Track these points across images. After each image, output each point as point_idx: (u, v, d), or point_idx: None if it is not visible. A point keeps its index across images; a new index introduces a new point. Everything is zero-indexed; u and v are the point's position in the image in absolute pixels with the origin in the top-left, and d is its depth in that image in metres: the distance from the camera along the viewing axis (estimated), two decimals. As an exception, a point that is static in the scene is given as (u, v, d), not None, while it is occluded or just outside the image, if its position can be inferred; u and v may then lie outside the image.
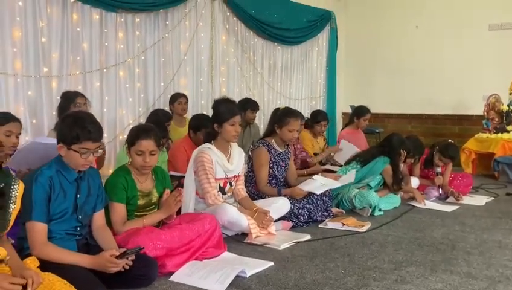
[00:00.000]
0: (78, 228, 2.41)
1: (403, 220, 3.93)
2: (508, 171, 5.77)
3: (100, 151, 2.36)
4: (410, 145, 4.47)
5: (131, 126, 5.04)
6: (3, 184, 1.97)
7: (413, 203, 4.47)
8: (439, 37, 7.62)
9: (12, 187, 2.01)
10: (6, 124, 2.93)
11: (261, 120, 6.86)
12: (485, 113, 6.45)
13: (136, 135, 2.77)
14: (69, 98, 4.02)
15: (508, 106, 6.27)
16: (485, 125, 6.43)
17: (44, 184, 2.25)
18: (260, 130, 6.34)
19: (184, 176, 3.81)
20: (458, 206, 4.40)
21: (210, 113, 5.73)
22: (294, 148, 4.74)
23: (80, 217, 2.40)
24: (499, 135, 6.13)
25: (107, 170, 4.44)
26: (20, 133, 3.03)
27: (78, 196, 2.38)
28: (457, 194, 4.61)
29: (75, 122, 2.27)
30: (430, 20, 7.71)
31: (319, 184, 3.77)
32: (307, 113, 7.58)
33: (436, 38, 7.65)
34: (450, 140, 5.00)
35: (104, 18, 4.83)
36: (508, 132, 6.12)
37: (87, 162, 2.32)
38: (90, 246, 2.45)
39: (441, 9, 7.57)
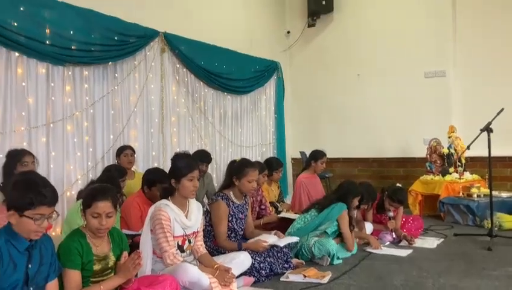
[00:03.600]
0: (30, 301, 2.23)
1: (362, 267, 3.97)
2: (453, 212, 6.02)
3: (55, 216, 2.23)
4: (364, 191, 4.58)
5: (79, 182, 4.95)
6: None
7: (369, 249, 4.53)
8: (380, 84, 8.03)
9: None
10: None
11: (213, 169, 6.82)
12: (428, 156, 6.77)
13: (91, 196, 2.65)
14: (15, 157, 3.83)
15: (448, 148, 6.63)
16: (428, 168, 6.73)
17: (-8, 257, 2.08)
18: (213, 179, 6.31)
19: (138, 234, 3.69)
20: (412, 250, 4.52)
21: (162, 164, 5.83)
22: (253, 200, 4.71)
23: (31, 289, 2.22)
24: (442, 177, 6.42)
25: (54, 230, 4.20)
26: None
27: (30, 266, 2.22)
28: (410, 238, 4.74)
29: (28, 186, 2.15)
30: (371, 68, 8.13)
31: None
32: (258, 160, 7.66)
33: (377, 85, 8.06)
34: (398, 184, 5.18)
35: (51, 72, 4.69)
36: (450, 173, 6.43)
37: (41, 228, 2.19)
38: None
39: (380, 58, 8.02)
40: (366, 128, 8.14)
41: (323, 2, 8.26)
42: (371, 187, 4.86)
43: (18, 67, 4.43)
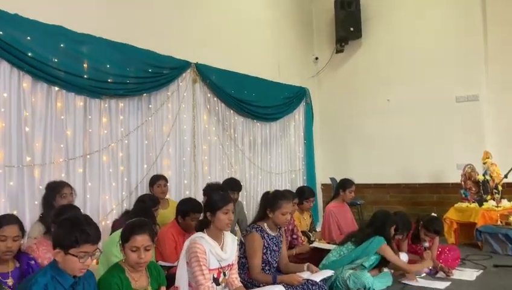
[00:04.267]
0: (73, 338, 2.27)
1: (398, 300, 3.88)
2: (491, 241, 5.83)
3: (98, 253, 2.29)
4: (398, 221, 4.50)
5: (114, 211, 5.04)
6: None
7: (404, 280, 4.43)
8: (410, 109, 7.96)
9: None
10: None
11: (243, 196, 6.83)
12: (462, 183, 6.62)
13: (130, 231, 2.70)
14: (54, 189, 3.94)
15: (483, 175, 6.47)
16: (463, 195, 6.57)
17: (39, 294, 2.14)
18: (244, 207, 6.33)
19: (173, 266, 3.72)
20: (450, 282, 4.39)
21: (194, 192, 5.90)
22: (285, 229, 4.69)
23: (75, 325, 2.27)
24: (479, 206, 6.24)
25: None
26: (18, 236, 2.85)
27: (74, 303, 2.27)
28: (447, 269, 4.62)
29: (73, 225, 2.22)
30: (401, 93, 8.08)
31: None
32: (288, 187, 7.66)
33: (407, 110, 7.99)
34: (433, 213, 5.07)
35: (88, 104, 4.85)
36: (487, 201, 6.27)
37: (85, 266, 2.25)
38: None
39: (410, 82, 7.97)
40: (397, 153, 8.05)
41: (352, 29, 8.31)
42: (405, 217, 4.77)
43: (57, 101, 4.60)
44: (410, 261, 4.84)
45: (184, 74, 5.95)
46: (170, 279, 3.29)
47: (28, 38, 4.23)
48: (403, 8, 8.13)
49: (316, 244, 5.09)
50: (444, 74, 7.65)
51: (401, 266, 4.39)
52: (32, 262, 2.99)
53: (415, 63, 7.93)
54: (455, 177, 6.91)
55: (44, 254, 3.22)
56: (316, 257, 4.73)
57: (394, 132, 8.09)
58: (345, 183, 5.70)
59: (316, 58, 8.99)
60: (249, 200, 7.06)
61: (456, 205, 6.51)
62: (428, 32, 7.83)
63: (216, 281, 3.30)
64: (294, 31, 8.55)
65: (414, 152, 7.88)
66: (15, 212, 4.16)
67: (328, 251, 4.69)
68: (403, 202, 7.94)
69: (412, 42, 7.98)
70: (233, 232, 4.01)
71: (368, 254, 4.19)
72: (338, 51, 8.71)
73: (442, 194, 7.67)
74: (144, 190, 5.30)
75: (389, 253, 4.26)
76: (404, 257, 4.78)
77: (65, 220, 2.29)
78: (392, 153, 8.09)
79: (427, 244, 4.75)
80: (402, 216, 4.71)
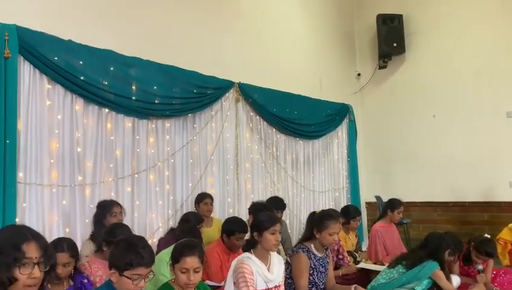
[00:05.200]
0: None
1: (453, 326, 3.72)
2: (549, 263, 5.53)
3: (151, 276, 2.32)
4: (450, 242, 4.33)
5: (160, 229, 5.12)
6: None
7: (458, 304, 4.25)
8: (458, 124, 7.73)
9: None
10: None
11: (287, 215, 6.79)
12: (516, 201, 6.34)
13: (180, 252, 2.73)
14: (105, 208, 4.06)
15: (539, 193, 6.17)
16: (517, 214, 6.28)
17: (94, 314, 2.19)
18: (287, 225, 6.29)
19: (219, 286, 3.73)
20: (507, 307, 4.18)
21: (237, 210, 5.92)
22: (331, 250, 4.62)
23: None
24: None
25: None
26: (69, 263, 2.98)
27: (127, 322, 2.30)
28: (503, 293, 4.40)
29: (129, 247, 2.26)
30: (447, 108, 7.86)
31: None
32: (331, 205, 7.56)
33: (455, 126, 7.76)
34: (486, 234, 4.85)
35: (136, 125, 4.99)
36: (544, 220, 5.96)
37: (138, 288, 2.28)
38: None
39: (457, 97, 7.75)
40: (445, 170, 7.80)
41: (395, 44, 8.20)
42: (456, 237, 4.57)
43: (108, 122, 4.75)
44: (462, 285, 4.65)
45: (227, 94, 6.03)
46: (216, 299, 3.30)
47: (80, 62, 4.40)
48: (449, 21, 7.95)
49: (362, 265, 4.98)
50: (493, 88, 7.40)
51: None
52: (85, 281, 3.09)
53: (462, 77, 7.71)
54: (508, 196, 6.65)
55: (95, 272, 3.31)
56: (363, 278, 4.63)
57: (441, 148, 7.86)
58: (394, 204, 5.56)
59: (359, 75, 8.91)
60: (292, 219, 7.01)
61: (510, 225, 6.21)
62: (476, 46, 7.62)
63: (263, 302, 3.27)
64: (336, 47, 8.53)
65: (463, 169, 7.61)
66: (67, 230, 4.33)
67: (375, 272, 4.58)
68: (451, 221, 7.66)
69: (458, 56, 7.78)
70: (277, 251, 4.00)
71: (420, 278, 4.02)
72: (381, 67, 8.61)
73: (494, 213, 7.36)
74: (188, 208, 5.36)
75: (442, 280, 4.06)
76: (456, 279, 4.58)
77: (121, 242, 2.35)
78: (439, 170, 7.85)
79: (481, 267, 4.52)
80: (453, 236, 4.52)
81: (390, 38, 8.23)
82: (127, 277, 2.22)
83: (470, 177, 7.54)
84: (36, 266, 1.75)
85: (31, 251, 1.75)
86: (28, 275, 1.72)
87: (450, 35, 7.92)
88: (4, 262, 1.70)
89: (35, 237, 1.81)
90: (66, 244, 3.02)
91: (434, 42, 8.10)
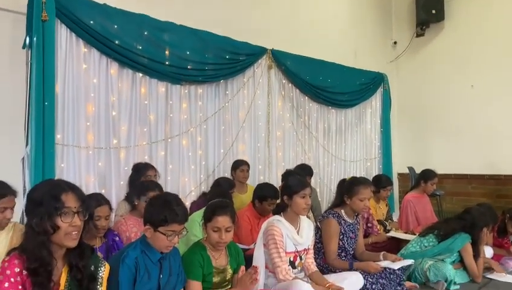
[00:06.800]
0: (160, 309, 2.40)
1: (483, 295, 3.70)
2: None
3: (184, 233, 2.38)
4: (489, 220, 4.21)
5: (192, 193, 5.22)
6: (93, 267, 2.00)
7: (489, 275, 4.20)
8: (497, 95, 7.44)
9: (99, 269, 2.04)
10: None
11: (317, 183, 6.80)
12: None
13: (212, 211, 2.79)
14: (140, 170, 4.16)
15: None
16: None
17: (130, 266, 2.28)
18: (317, 193, 6.30)
19: (248, 249, 3.80)
20: (540, 279, 4.10)
21: (268, 178, 5.95)
22: (361, 217, 4.61)
23: (161, 298, 2.39)
24: None
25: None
26: (109, 215, 3.09)
27: (161, 276, 2.39)
28: (537, 265, 4.31)
29: (163, 204, 2.32)
30: (486, 78, 7.56)
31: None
32: (363, 175, 7.49)
33: (494, 96, 7.48)
34: (522, 206, 4.75)
35: (170, 90, 5.04)
36: None
37: (172, 243, 2.35)
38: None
39: (498, 67, 7.44)
40: (480, 142, 7.57)
41: (433, 11, 7.89)
42: (491, 209, 4.48)
43: (142, 86, 4.82)
44: (495, 256, 4.59)
45: (260, 60, 5.98)
46: (246, 261, 3.36)
47: (115, 26, 4.45)
48: (491, -14, 7.57)
49: (392, 233, 4.97)
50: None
51: (473, 272, 4.02)
52: (117, 238, 3.21)
53: (503, 45, 7.37)
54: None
55: (131, 228, 3.43)
56: (393, 247, 4.63)
57: (478, 120, 7.61)
58: (428, 175, 5.46)
59: (395, 43, 8.65)
60: (323, 188, 7.01)
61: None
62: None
63: (292, 264, 3.33)
64: (371, 14, 8.28)
65: (500, 141, 7.37)
66: (103, 191, 4.46)
67: (405, 241, 4.56)
68: (486, 194, 7.47)
69: (499, 24, 7.40)
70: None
71: (452, 251, 3.96)
72: (418, 35, 8.31)
73: (531, 187, 7.15)
74: (220, 173, 5.43)
75: (469, 256, 3.99)
76: (489, 250, 4.53)
77: (157, 199, 2.42)
78: (475, 141, 7.62)
79: (515, 238, 4.46)
80: (487, 207, 4.44)
81: (429, 5, 7.91)
82: (162, 233, 2.29)
83: (507, 149, 7.30)
84: (76, 215, 1.82)
85: (70, 201, 1.82)
86: (69, 223, 1.80)
87: (491, 2, 7.55)
88: (45, 212, 1.78)
89: (73, 188, 1.88)
90: (103, 198, 3.13)
91: (474, 9, 7.73)
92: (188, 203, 5.05)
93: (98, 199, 3.05)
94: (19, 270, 1.73)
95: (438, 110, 8.06)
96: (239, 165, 5.21)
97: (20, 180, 3.87)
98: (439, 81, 8.07)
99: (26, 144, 3.95)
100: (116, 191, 4.53)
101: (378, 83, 7.92)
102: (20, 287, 1.72)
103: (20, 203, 3.05)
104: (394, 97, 8.33)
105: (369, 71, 7.75)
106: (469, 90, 7.77)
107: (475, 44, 7.69)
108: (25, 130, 3.98)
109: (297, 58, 6.42)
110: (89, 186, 4.37)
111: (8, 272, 1.72)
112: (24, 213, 1.89)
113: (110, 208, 3.11)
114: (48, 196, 1.80)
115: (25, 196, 1.94)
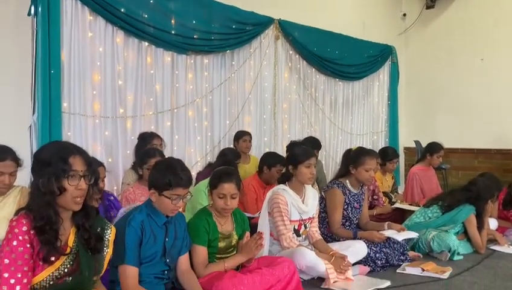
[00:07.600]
0: (166, 272, 2.45)
1: (486, 266, 3.72)
2: None
3: (188, 197, 2.40)
4: (496, 194, 4.19)
5: (198, 164, 5.25)
6: (99, 228, 2.03)
7: (493, 246, 4.22)
8: (506, 69, 7.34)
9: (106, 232, 2.06)
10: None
11: (323, 156, 6.80)
12: None
13: (218, 178, 2.80)
14: (146, 139, 4.17)
15: None
16: None
17: (136, 228, 2.30)
18: (323, 166, 6.31)
19: (253, 217, 3.84)
20: (544, 251, 4.12)
21: (273, 150, 5.95)
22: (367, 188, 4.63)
23: (167, 260, 2.44)
24: None
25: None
26: (105, 177, 3.11)
27: (167, 239, 2.42)
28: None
29: (168, 169, 2.34)
30: (496, 52, 7.45)
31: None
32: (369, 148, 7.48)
33: (504, 70, 7.38)
34: (529, 179, 4.73)
35: (175, 60, 5.01)
36: None
37: (177, 207, 2.37)
38: (176, 290, 2.47)
39: (509, 41, 7.32)
40: (488, 116, 7.50)
41: (445, -18, 7.73)
42: (495, 179, 4.44)
43: (147, 56, 4.79)
44: (500, 228, 4.60)
45: (267, 31, 5.91)
46: (251, 229, 3.40)
47: (121, -6, 4.40)
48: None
49: (397, 205, 4.99)
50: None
51: (476, 243, 4.04)
52: (112, 197, 3.27)
53: (514, 18, 7.24)
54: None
55: (139, 197, 3.46)
56: (397, 218, 4.64)
57: (487, 94, 7.52)
58: (434, 147, 5.44)
59: (404, 15, 8.49)
60: (328, 161, 7.02)
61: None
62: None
63: (297, 232, 3.36)
64: (381, -15, 8.12)
65: (508, 115, 7.29)
66: (110, 160, 4.51)
67: (410, 212, 4.58)
68: (492, 169, 7.40)
69: (512, -4, 7.27)
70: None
71: (456, 222, 3.97)
72: (428, 7, 8.15)
73: (538, 161, 7.11)
74: (226, 144, 5.44)
75: (472, 227, 4.00)
76: (493, 222, 4.55)
77: (161, 163, 2.44)
78: (483, 116, 7.56)
79: (520, 210, 4.46)
80: (491, 177, 4.40)
81: (441, -24, 7.75)
82: (166, 197, 2.31)
83: (515, 124, 7.25)
84: (82, 179, 1.84)
85: (77, 164, 1.83)
86: (75, 186, 1.81)
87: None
88: (53, 173, 1.79)
89: (80, 151, 1.89)
90: (95, 160, 3.13)
91: (487, -20, 7.57)
92: (193, 174, 5.08)
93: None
94: (26, 229, 1.76)
95: (447, 84, 7.97)
96: (241, 136, 5.22)
97: (27, 149, 3.90)
98: (448, 54, 7.96)
99: (33, 112, 3.96)
100: (122, 160, 4.56)
101: (386, 55, 7.83)
102: (28, 245, 1.76)
103: (27, 170, 3.08)
104: (402, 70, 8.24)
105: (378, 43, 7.65)
106: (479, 64, 7.67)
107: (486, 17, 7.54)
108: (31, 98, 3.99)
109: (305, 28, 6.34)
110: (96, 155, 4.35)
111: (16, 230, 1.75)
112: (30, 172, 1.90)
113: (105, 169, 3.14)
114: (56, 157, 1.81)
115: (32, 157, 1.95)
